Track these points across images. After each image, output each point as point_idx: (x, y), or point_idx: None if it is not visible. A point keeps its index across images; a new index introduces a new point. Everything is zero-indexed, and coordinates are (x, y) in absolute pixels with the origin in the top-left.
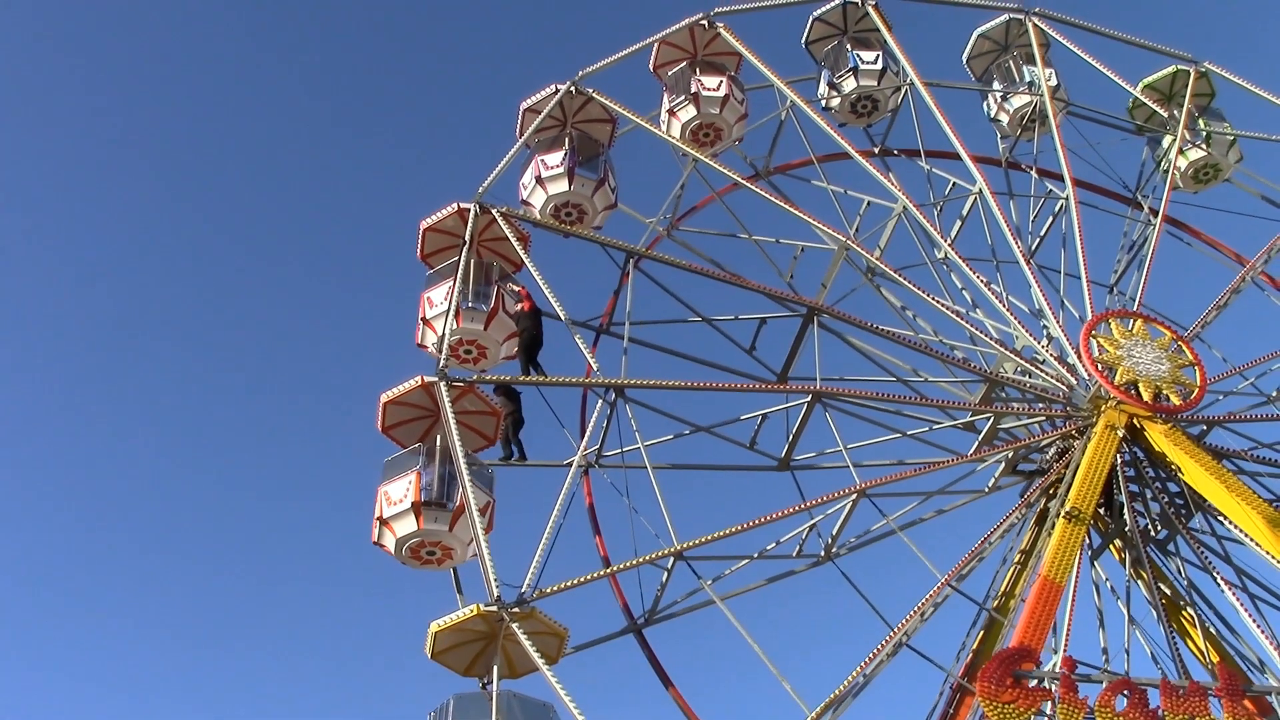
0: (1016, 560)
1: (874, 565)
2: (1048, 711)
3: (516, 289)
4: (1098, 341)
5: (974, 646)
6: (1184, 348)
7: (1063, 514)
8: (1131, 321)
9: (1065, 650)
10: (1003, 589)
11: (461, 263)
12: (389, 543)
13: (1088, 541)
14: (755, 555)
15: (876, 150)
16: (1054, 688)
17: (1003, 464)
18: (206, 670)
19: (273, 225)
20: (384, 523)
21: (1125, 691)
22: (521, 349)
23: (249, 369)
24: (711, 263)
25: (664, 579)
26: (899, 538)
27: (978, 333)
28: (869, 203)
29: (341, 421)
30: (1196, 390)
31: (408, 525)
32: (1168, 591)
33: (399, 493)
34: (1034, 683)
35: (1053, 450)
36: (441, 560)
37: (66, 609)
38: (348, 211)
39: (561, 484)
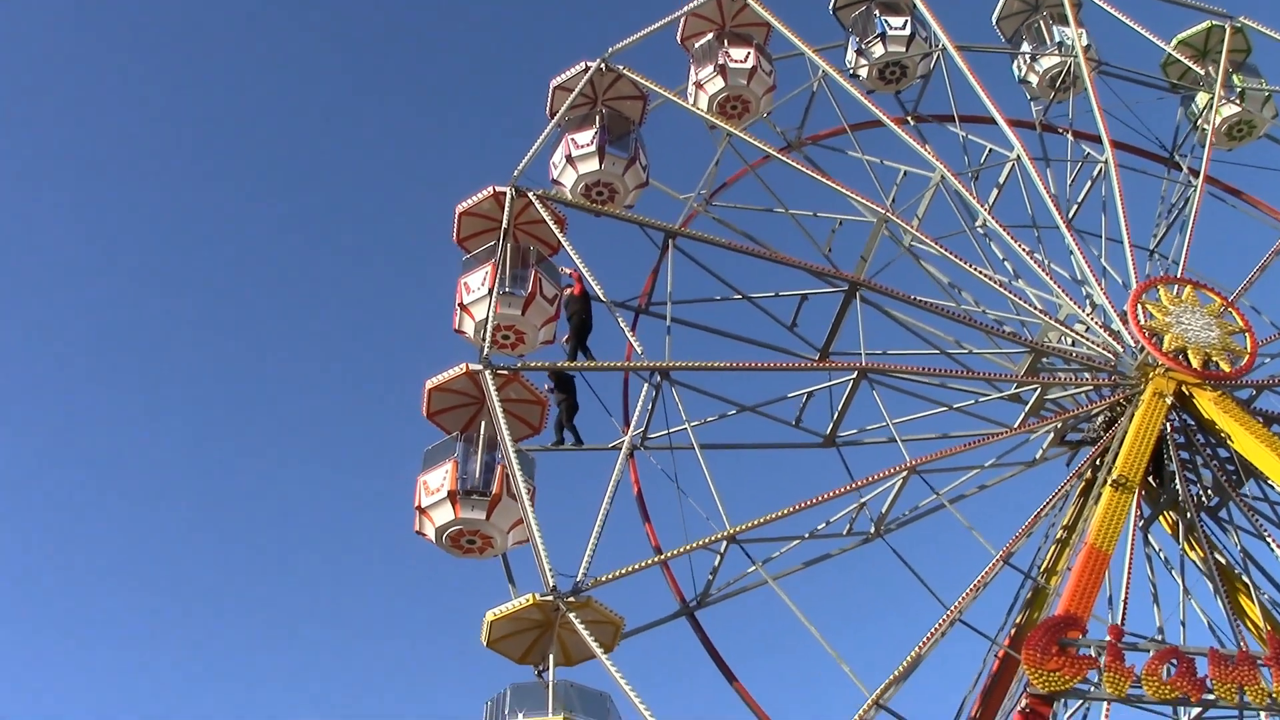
0: (1059, 536)
1: (921, 539)
2: (1094, 680)
3: (568, 273)
4: (1145, 308)
5: (1019, 617)
6: (1234, 313)
7: (1110, 482)
8: (1181, 288)
9: (1123, 621)
10: (1044, 565)
11: (500, 249)
12: (429, 531)
13: (1138, 513)
14: (806, 535)
15: (908, 117)
16: (1100, 656)
17: (1051, 435)
18: (261, 663)
19: (307, 210)
20: (423, 512)
21: (1172, 660)
22: (572, 333)
23: (288, 356)
24: (747, 238)
25: (716, 562)
26: (946, 512)
27: (1021, 302)
28: (905, 172)
29: (386, 408)
30: (1247, 357)
31: (445, 514)
32: (1222, 560)
33: (436, 481)
34: (1080, 651)
35: (1101, 420)
36: (483, 549)
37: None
38: (382, 193)
39: (602, 469)
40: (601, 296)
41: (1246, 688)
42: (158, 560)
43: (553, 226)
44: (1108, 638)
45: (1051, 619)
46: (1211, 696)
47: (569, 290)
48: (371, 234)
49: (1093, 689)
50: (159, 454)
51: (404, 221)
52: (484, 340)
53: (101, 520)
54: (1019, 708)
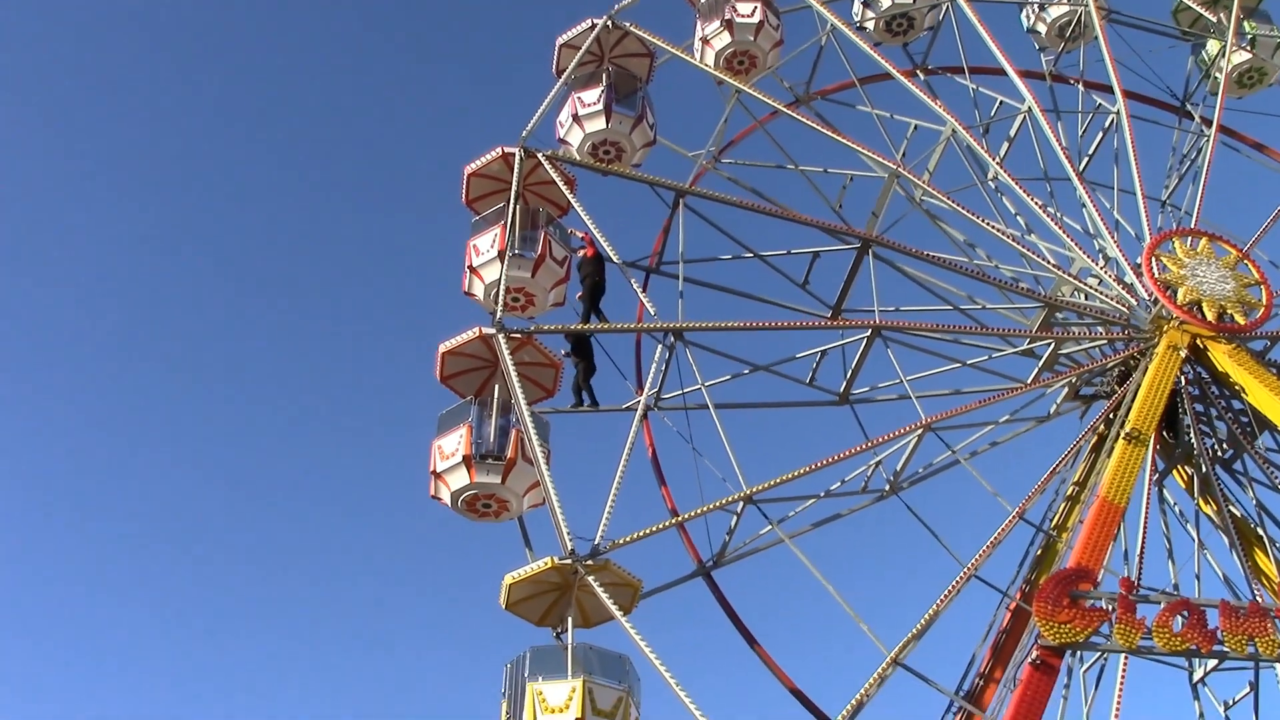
0: (1070, 493)
1: (935, 495)
2: (1105, 633)
3: (580, 235)
4: (1160, 261)
5: (1031, 570)
6: (1250, 265)
7: (1123, 435)
8: (1196, 240)
9: (1139, 576)
10: (1055, 521)
11: (510, 211)
12: (445, 496)
13: (1152, 468)
14: (822, 494)
15: (917, 70)
16: (1111, 608)
17: (1065, 390)
18: (278, 628)
19: (312, 175)
20: (438, 476)
21: (1183, 612)
22: (586, 295)
23: (298, 321)
24: (756, 195)
25: (733, 523)
26: (960, 468)
27: (1034, 256)
28: (916, 126)
29: (399, 372)
30: (1262, 309)
31: (460, 479)
32: (1236, 514)
33: (451, 446)
34: (1091, 603)
35: (1115, 374)
36: (498, 513)
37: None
38: (390, 151)
39: (616, 430)
40: (614, 258)
41: (1257, 639)
42: (170, 519)
43: (563, 187)
44: (1119, 590)
45: (1063, 572)
46: (1223, 648)
47: (581, 252)
48: (379, 196)
49: (1104, 641)
50: (169, 419)
51: (411, 182)
52: (496, 304)
53: (117, 485)
54: (1030, 659)
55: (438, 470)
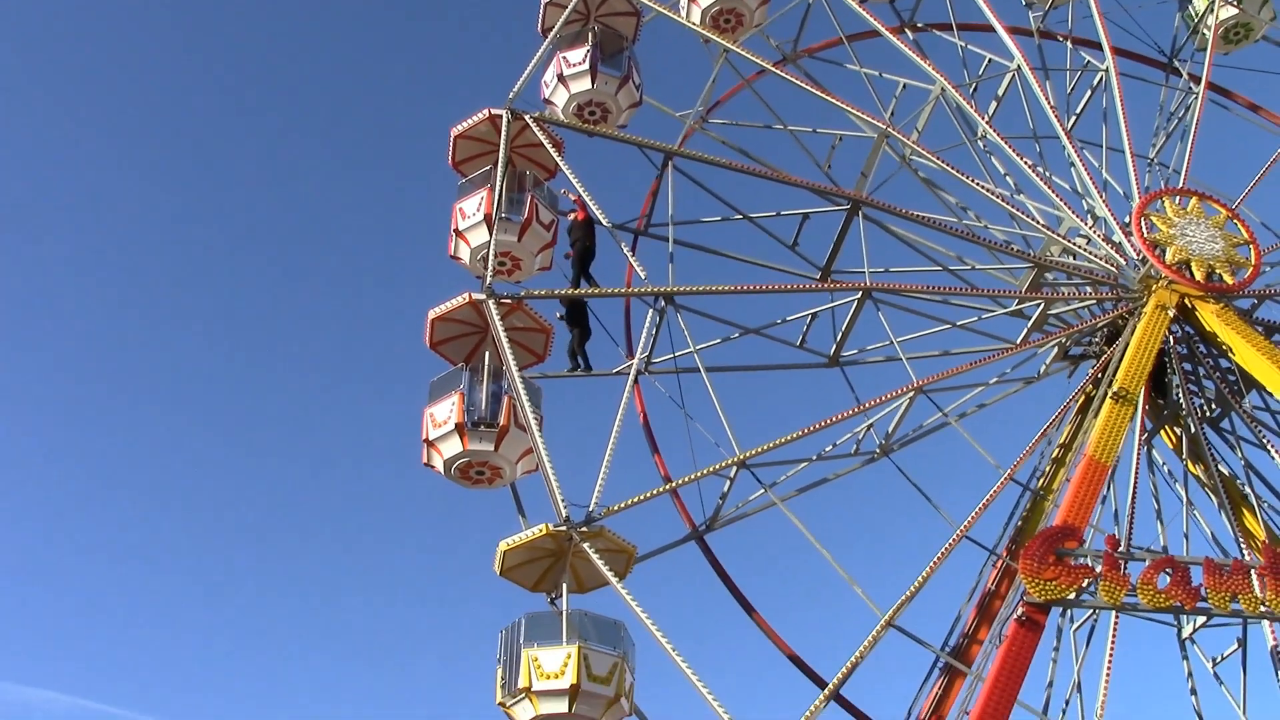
0: (1055, 455)
1: (924, 455)
2: (1090, 589)
3: (571, 197)
4: (1150, 220)
5: (1017, 528)
6: (1239, 224)
7: (1110, 394)
8: (1186, 199)
9: (1130, 537)
10: (1041, 483)
11: (498, 175)
12: (438, 464)
13: (1141, 428)
14: (815, 457)
15: (905, 27)
16: (1096, 565)
17: (1055, 350)
18: (272, 600)
19: (296, 139)
20: (430, 444)
21: (1168, 569)
22: (575, 259)
23: (285, 288)
24: (744, 155)
25: (726, 487)
26: (949, 428)
27: (1023, 216)
28: (905, 85)
29: (387, 336)
30: (1250, 269)
31: (453, 446)
32: (1225, 473)
33: (443, 414)
34: (1076, 561)
35: (1104, 334)
36: (491, 479)
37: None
38: (377, 110)
39: (605, 394)
40: (604, 221)
41: (1240, 596)
42: (169, 491)
43: (551, 150)
44: (1105, 548)
45: (1049, 529)
46: (1206, 605)
47: (572, 216)
48: (364, 157)
49: (1089, 598)
50: (164, 389)
51: (398, 143)
52: (485, 269)
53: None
54: (1015, 616)
55: (430, 438)
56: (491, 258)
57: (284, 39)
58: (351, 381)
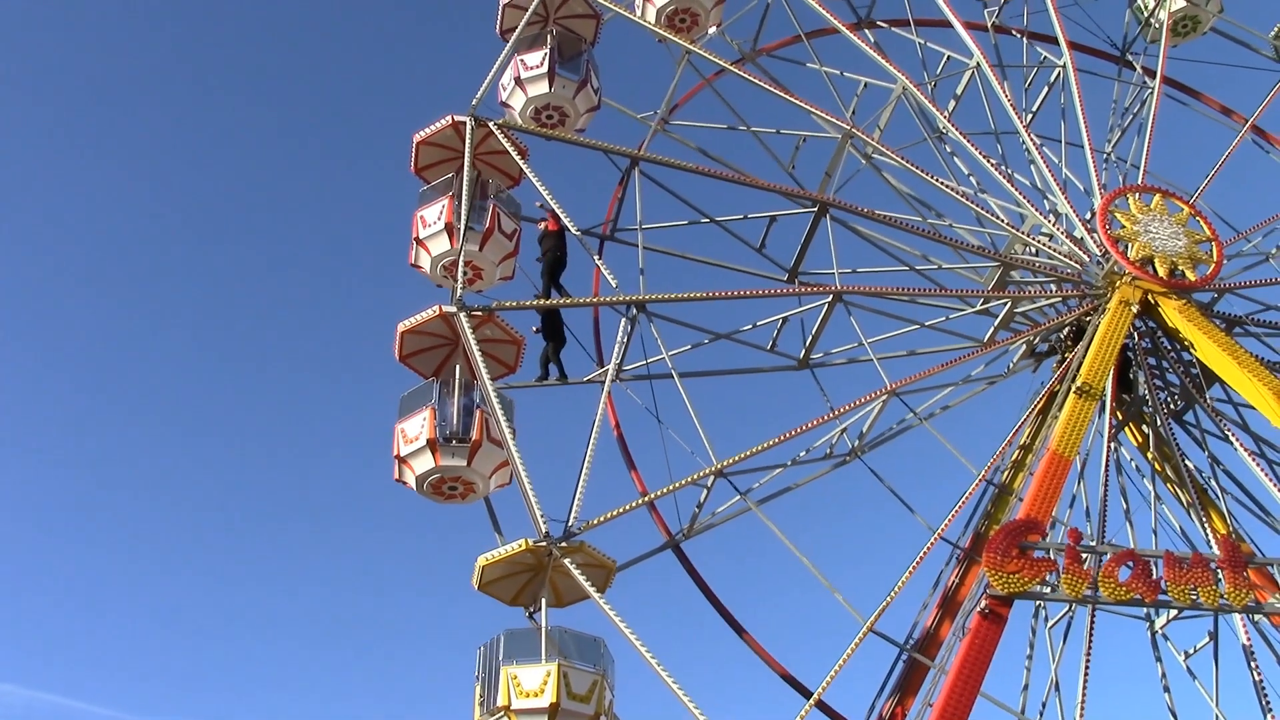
0: (1015, 458)
1: (891, 455)
2: (1053, 582)
3: (543, 209)
4: (1114, 217)
5: (981, 522)
6: (1201, 222)
7: (1074, 389)
8: (1149, 196)
9: (1103, 534)
10: (1004, 478)
11: (465, 181)
12: (410, 480)
13: (1110, 424)
14: (789, 463)
15: (862, 24)
16: (1058, 559)
17: (1023, 348)
18: (247, 619)
19: (263, 135)
20: (403, 460)
21: (1129, 563)
22: (546, 269)
23: (250, 300)
24: (706, 157)
25: (702, 497)
26: (920, 429)
27: (986, 214)
28: (866, 84)
29: (354, 349)
30: (1212, 265)
31: (425, 462)
32: (1190, 466)
33: (415, 429)
34: (1038, 554)
35: (1069, 331)
36: (464, 495)
37: None
38: (341, 112)
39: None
40: (573, 229)
41: (1199, 589)
42: (142, 495)
43: (517, 158)
44: (1067, 541)
45: (1012, 523)
46: (1167, 598)
47: (542, 225)
48: (327, 161)
49: (1050, 591)
50: (135, 385)
51: (362, 147)
52: (454, 281)
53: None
54: (979, 609)
55: (402, 455)
56: (460, 268)
57: (251, 39)
58: (320, 398)
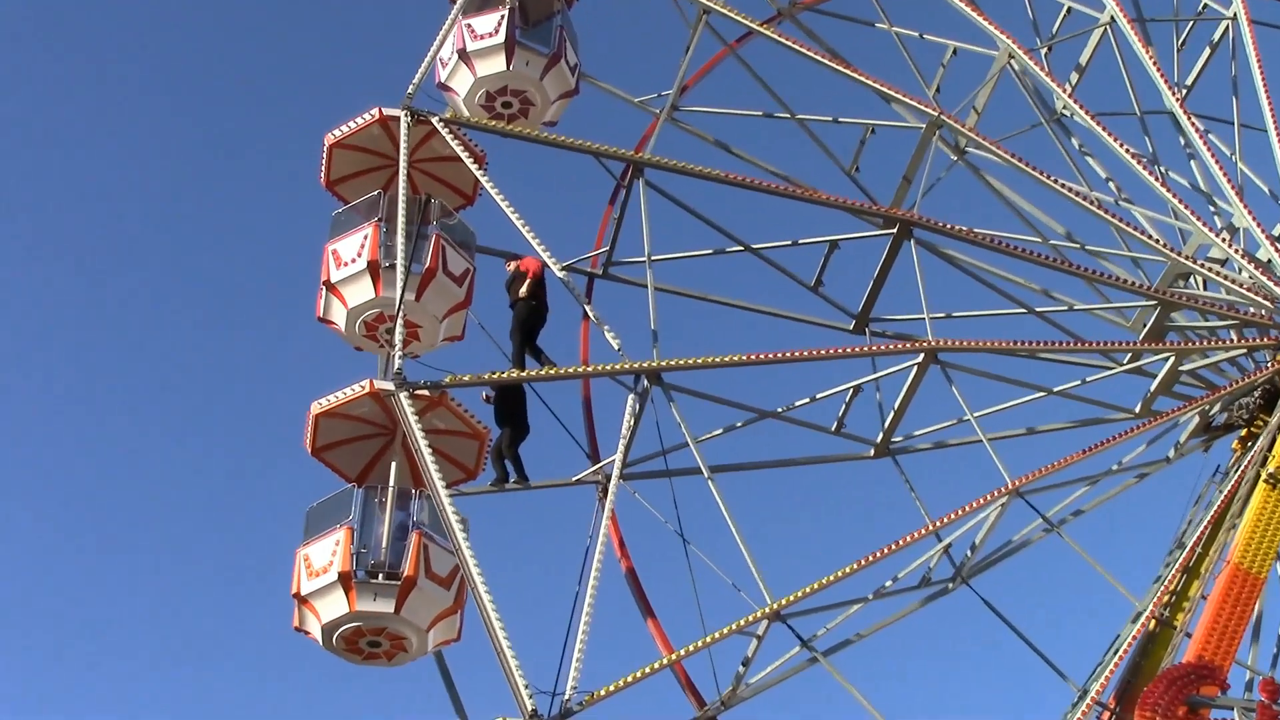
0: (1183, 560)
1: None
2: None
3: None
4: None
5: (1132, 662)
6: None
7: (1264, 476)
8: None
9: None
10: (1164, 591)
11: (401, 199)
12: (313, 629)
13: None
14: (870, 597)
15: None
16: None
17: (1196, 419)
18: None
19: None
20: (304, 601)
21: None
22: (517, 327)
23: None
24: (729, 154)
25: (751, 649)
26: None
27: (1131, 230)
28: (956, 50)
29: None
30: None
31: (335, 606)
32: None
33: (323, 558)
34: (1216, 714)
35: (1258, 396)
36: (391, 654)
37: None
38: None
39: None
40: (556, 269)
41: None
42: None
43: (472, 166)
44: (1259, 696)
45: (1177, 668)
46: None
47: (512, 265)
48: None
49: None
50: None
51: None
52: (395, 350)
53: None
54: None
55: (303, 593)
56: (399, 330)
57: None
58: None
